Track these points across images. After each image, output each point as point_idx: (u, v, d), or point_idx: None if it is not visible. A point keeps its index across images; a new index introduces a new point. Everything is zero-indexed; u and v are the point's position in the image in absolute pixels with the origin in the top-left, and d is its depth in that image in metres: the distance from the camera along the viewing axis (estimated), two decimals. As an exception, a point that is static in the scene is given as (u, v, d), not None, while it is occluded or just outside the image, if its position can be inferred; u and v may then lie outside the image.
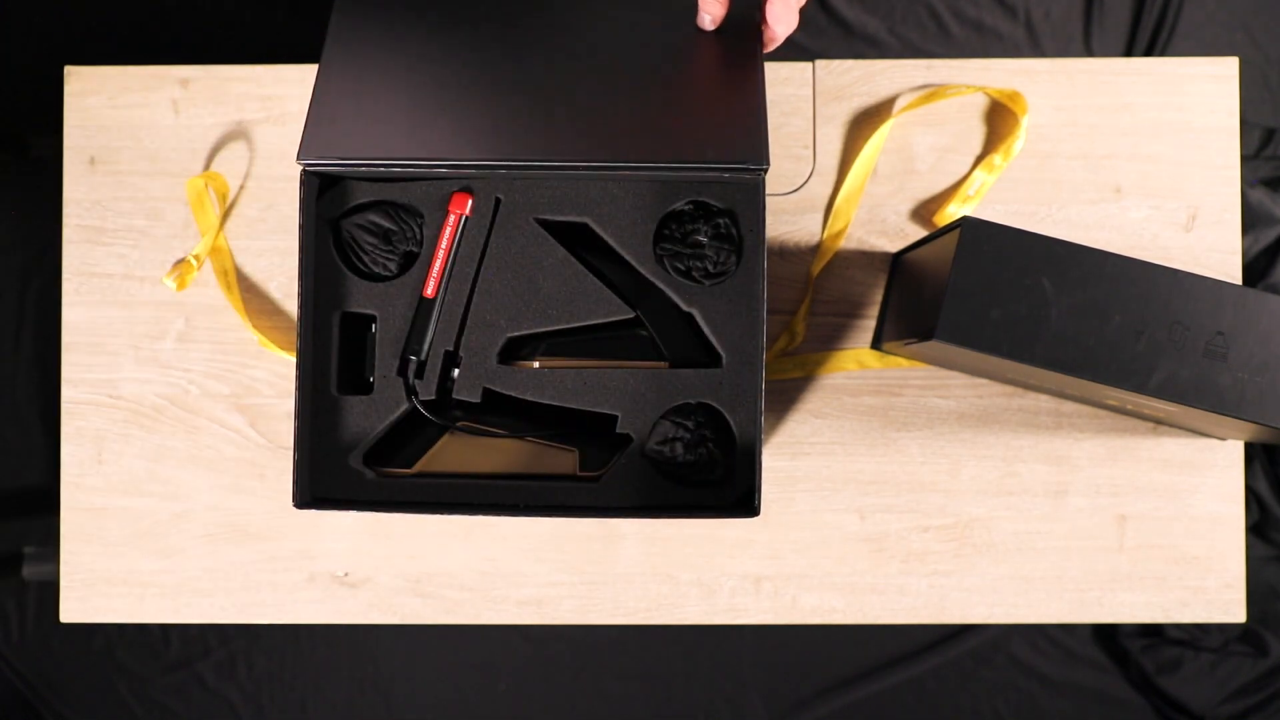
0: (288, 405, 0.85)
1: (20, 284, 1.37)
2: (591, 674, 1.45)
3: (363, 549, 0.85)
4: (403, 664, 1.45)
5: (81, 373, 0.85)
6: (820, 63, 0.85)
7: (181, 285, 0.84)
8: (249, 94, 0.86)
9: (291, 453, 0.85)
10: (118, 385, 0.85)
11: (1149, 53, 1.43)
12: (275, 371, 0.85)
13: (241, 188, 0.85)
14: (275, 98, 0.85)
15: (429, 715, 1.45)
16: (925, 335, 0.65)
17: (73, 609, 0.86)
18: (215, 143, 0.86)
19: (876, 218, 0.85)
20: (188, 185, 0.84)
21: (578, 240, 0.72)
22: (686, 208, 0.72)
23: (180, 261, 0.84)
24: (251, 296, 0.85)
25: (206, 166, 0.86)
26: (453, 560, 0.85)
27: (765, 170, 0.67)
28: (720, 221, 0.71)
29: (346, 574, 0.85)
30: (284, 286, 0.85)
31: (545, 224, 0.72)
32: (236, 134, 0.86)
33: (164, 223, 0.85)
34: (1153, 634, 1.41)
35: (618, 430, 0.71)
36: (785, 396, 0.85)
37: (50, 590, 1.41)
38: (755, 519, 0.68)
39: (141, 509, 0.85)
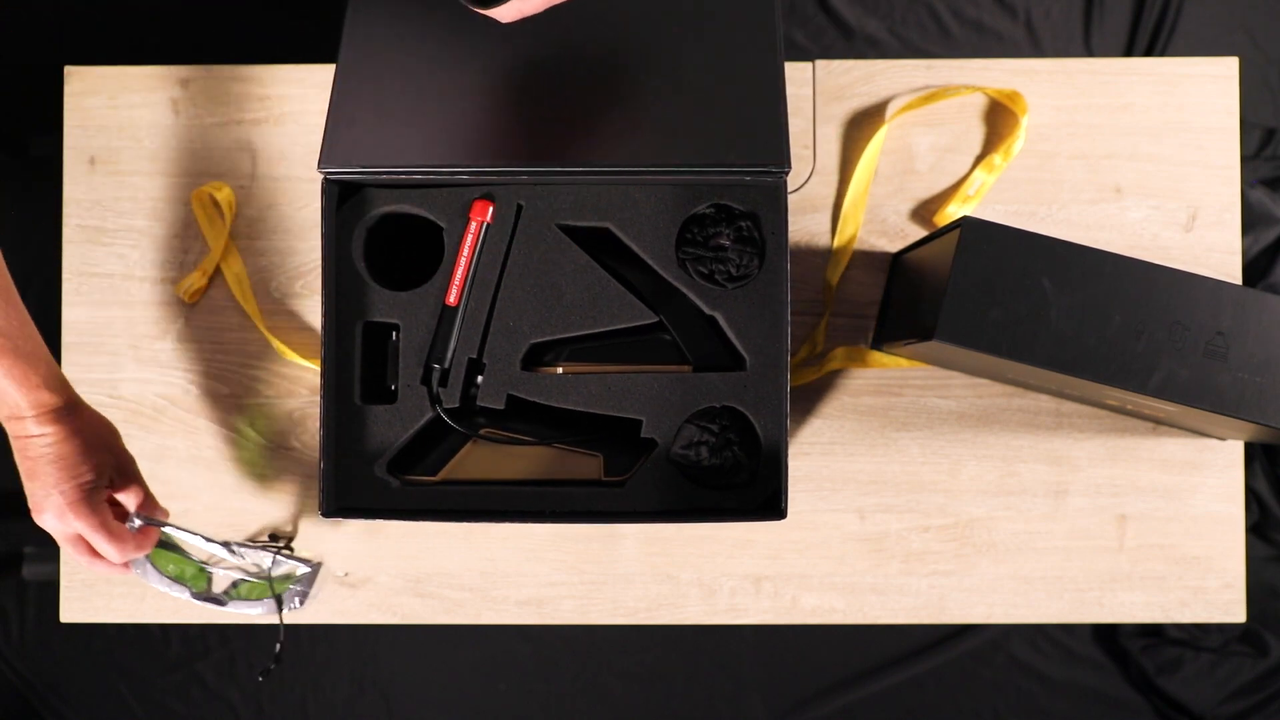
0: (288, 405, 0.85)
1: (20, 284, 1.37)
2: (591, 674, 1.44)
3: (363, 549, 0.85)
4: (403, 664, 1.45)
5: (81, 373, 0.85)
6: (820, 63, 0.85)
7: (193, 298, 0.84)
8: (249, 94, 0.86)
9: (295, 456, 0.85)
10: (118, 385, 0.85)
11: (1149, 53, 1.43)
12: (276, 372, 0.85)
13: (249, 191, 0.85)
14: (275, 98, 0.85)
15: (429, 715, 1.45)
16: (925, 335, 0.65)
17: (73, 609, 0.86)
18: (215, 143, 0.86)
19: (876, 218, 0.85)
20: (193, 197, 0.84)
21: (600, 245, 0.72)
22: (708, 211, 0.72)
23: (191, 273, 0.84)
24: (255, 298, 0.85)
25: (208, 168, 0.85)
26: (453, 560, 0.85)
27: (787, 172, 0.67)
28: (742, 224, 0.71)
29: (346, 574, 0.85)
30: (284, 286, 0.85)
31: (567, 229, 0.72)
32: (236, 134, 0.86)
33: (164, 223, 0.85)
34: (1153, 634, 1.41)
35: (642, 435, 0.71)
36: (785, 396, 0.85)
37: (50, 590, 1.41)
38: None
39: (141, 509, 0.85)
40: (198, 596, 0.81)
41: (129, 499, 0.74)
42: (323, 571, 0.83)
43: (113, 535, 0.71)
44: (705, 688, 1.44)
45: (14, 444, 0.69)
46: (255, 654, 1.43)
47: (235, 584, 0.82)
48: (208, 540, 0.80)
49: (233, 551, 0.81)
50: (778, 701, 1.44)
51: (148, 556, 0.78)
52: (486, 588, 0.85)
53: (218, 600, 0.81)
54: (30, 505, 0.70)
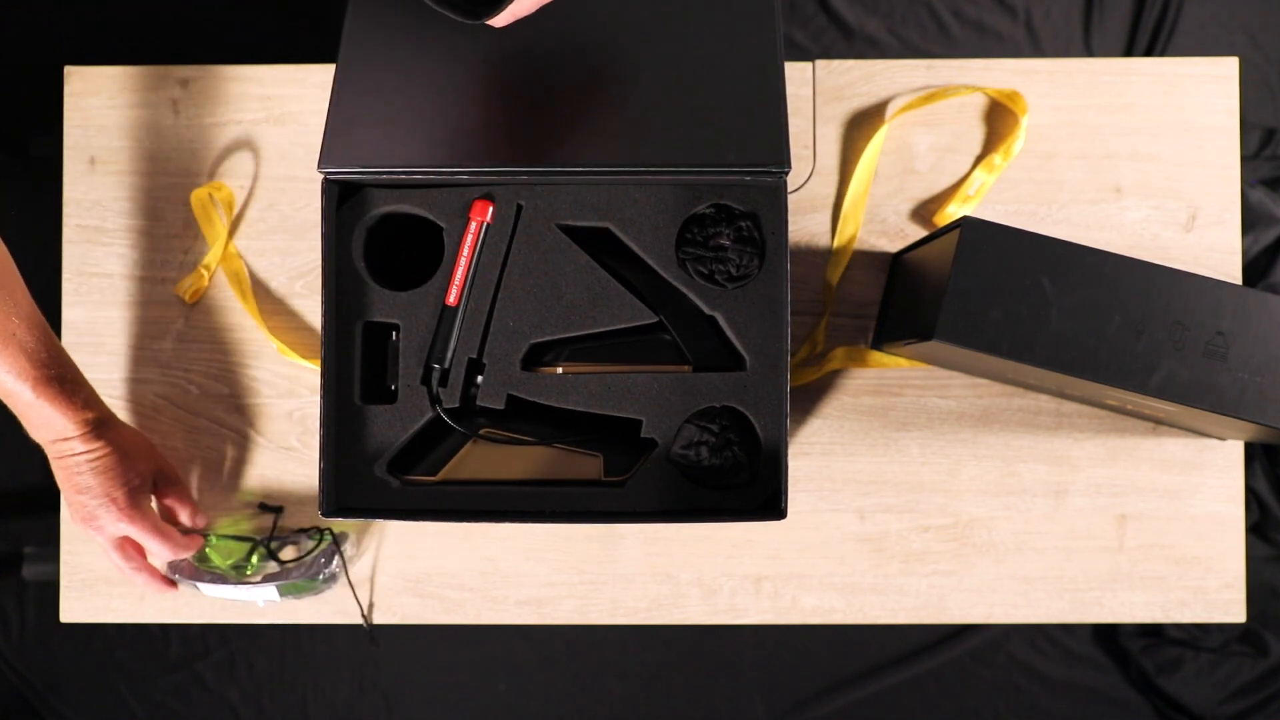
0: (288, 405, 0.85)
1: (20, 284, 1.37)
2: (591, 674, 1.44)
3: (362, 549, 0.85)
4: (403, 664, 1.45)
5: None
6: (820, 63, 0.85)
7: (193, 297, 0.84)
8: (249, 94, 0.86)
9: (295, 456, 0.85)
10: (118, 385, 0.85)
11: (1149, 53, 1.43)
12: (275, 372, 0.85)
13: (249, 191, 0.85)
14: (275, 98, 0.85)
15: (429, 715, 1.45)
16: (925, 335, 0.65)
17: (73, 609, 0.86)
18: (215, 143, 0.86)
19: (876, 218, 0.85)
20: (192, 197, 0.84)
21: (600, 245, 0.72)
22: (708, 211, 0.72)
23: (191, 273, 0.84)
24: (255, 298, 0.85)
25: (208, 168, 0.86)
26: (453, 560, 0.85)
27: (786, 172, 0.67)
28: (742, 224, 0.71)
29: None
30: (285, 286, 0.85)
31: (567, 229, 0.72)
32: (236, 134, 0.86)
33: (164, 223, 0.85)
34: (1153, 634, 1.41)
35: (642, 435, 0.71)
36: (785, 396, 0.85)
37: (50, 590, 1.41)
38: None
39: (141, 509, 0.85)
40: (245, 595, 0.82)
41: (174, 503, 0.79)
42: (344, 544, 0.83)
43: (163, 535, 0.75)
44: (705, 688, 1.44)
45: (58, 463, 0.72)
46: (255, 654, 1.44)
47: (273, 579, 0.82)
48: (244, 540, 0.82)
49: (270, 550, 0.81)
50: (778, 701, 1.44)
51: (195, 571, 0.81)
52: (486, 588, 0.85)
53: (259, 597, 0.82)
54: (80, 516, 0.73)
